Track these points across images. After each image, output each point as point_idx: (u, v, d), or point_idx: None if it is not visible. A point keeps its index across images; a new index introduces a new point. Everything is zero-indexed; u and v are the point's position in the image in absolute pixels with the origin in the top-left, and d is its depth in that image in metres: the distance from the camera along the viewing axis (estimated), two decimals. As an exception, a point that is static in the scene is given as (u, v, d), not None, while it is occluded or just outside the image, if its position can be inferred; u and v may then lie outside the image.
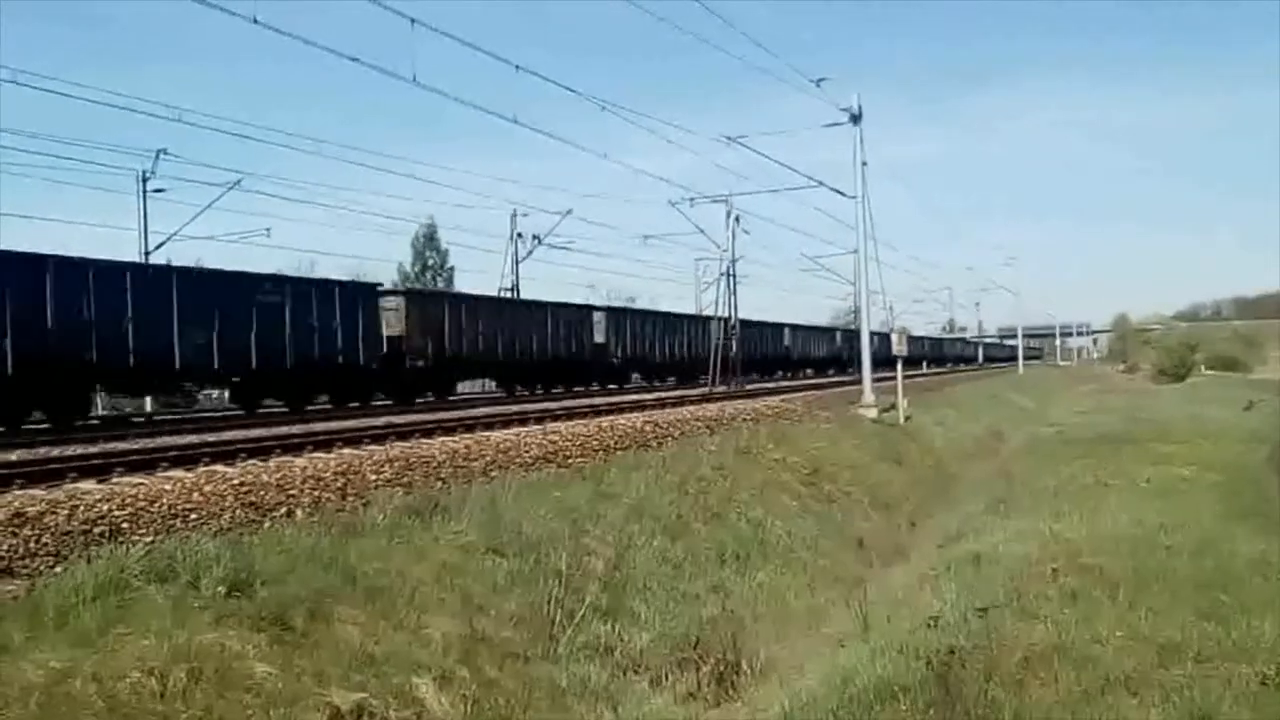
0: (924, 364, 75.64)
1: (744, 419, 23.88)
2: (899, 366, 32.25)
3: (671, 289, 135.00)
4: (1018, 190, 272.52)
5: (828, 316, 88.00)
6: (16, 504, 9.40)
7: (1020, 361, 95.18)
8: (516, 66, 20.33)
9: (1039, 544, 11.88)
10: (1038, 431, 35.20)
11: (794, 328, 64.14)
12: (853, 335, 65.91)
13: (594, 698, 8.33)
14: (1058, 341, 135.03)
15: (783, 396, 32.75)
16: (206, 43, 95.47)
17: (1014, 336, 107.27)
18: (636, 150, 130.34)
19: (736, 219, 39.69)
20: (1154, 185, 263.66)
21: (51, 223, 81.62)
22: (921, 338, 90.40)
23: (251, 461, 12.85)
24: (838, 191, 32.27)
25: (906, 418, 30.14)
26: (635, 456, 16.35)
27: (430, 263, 66.01)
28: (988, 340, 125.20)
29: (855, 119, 29.94)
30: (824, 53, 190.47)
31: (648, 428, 19.95)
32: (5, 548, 8.43)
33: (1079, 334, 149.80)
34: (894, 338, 34.00)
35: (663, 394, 34.43)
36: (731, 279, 41.28)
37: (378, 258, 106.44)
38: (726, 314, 41.50)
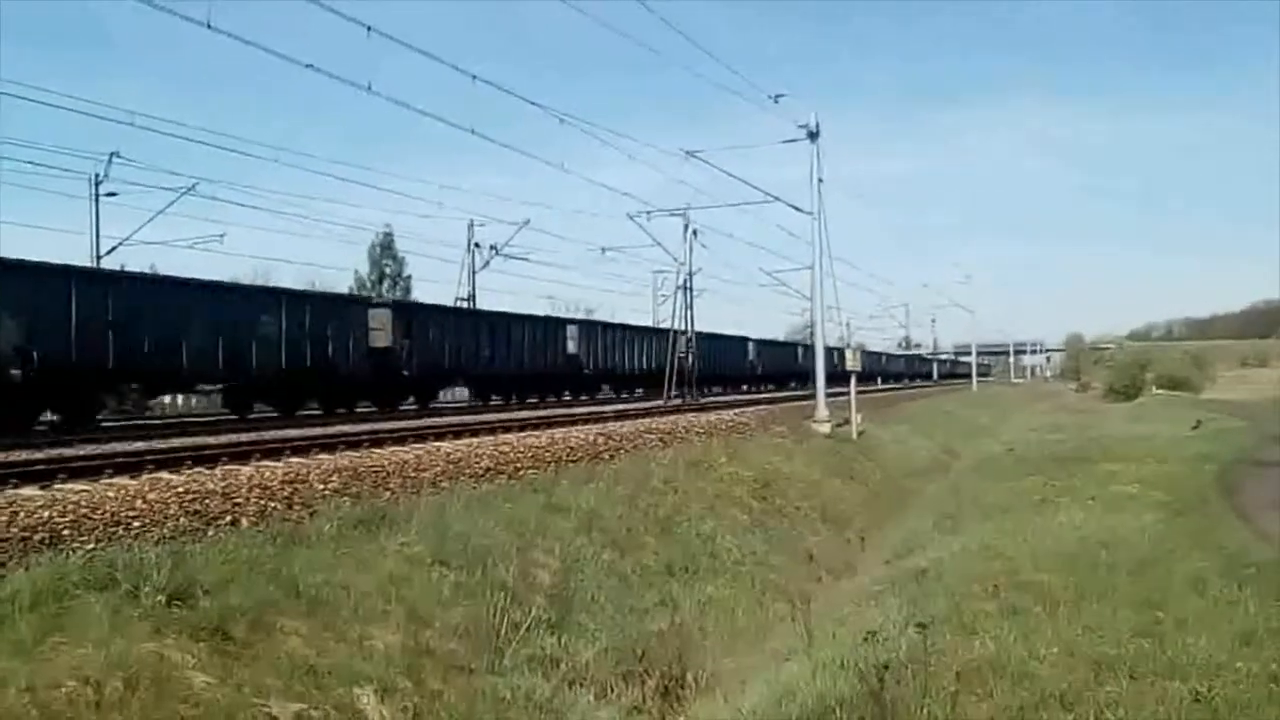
0: (879, 380, 76.16)
1: (697, 432, 23.96)
2: (853, 382, 32.49)
3: (630, 301, 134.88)
4: (976, 209, 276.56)
5: (785, 331, 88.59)
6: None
7: (974, 379, 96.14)
8: (474, 77, 20.35)
9: (983, 560, 12.03)
10: (989, 448, 35.58)
11: (758, 342, 64.43)
12: (783, 349, 66.53)
13: (538, 710, 8.31)
14: (1011, 359, 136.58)
15: (738, 410, 32.89)
16: (160, 47, 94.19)
17: (969, 353, 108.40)
18: (596, 163, 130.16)
19: (694, 232, 39.84)
20: (1110, 206, 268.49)
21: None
22: (877, 354, 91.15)
23: (198, 469, 12.73)
24: (794, 207, 32.59)
25: (860, 433, 30.38)
26: (587, 469, 16.34)
27: (387, 271, 65.67)
28: (943, 357, 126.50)
29: (813, 135, 30.22)
30: (786, 69, 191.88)
31: (600, 440, 19.97)
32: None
33: (1033, 352, 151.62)
34: (848, 354, 34.28)
35: (622, 406, 34.65)
36: (689, 292, 41.41)
37: (334, 266, 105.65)
38: (684, 327, 41.59)
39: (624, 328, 48.36)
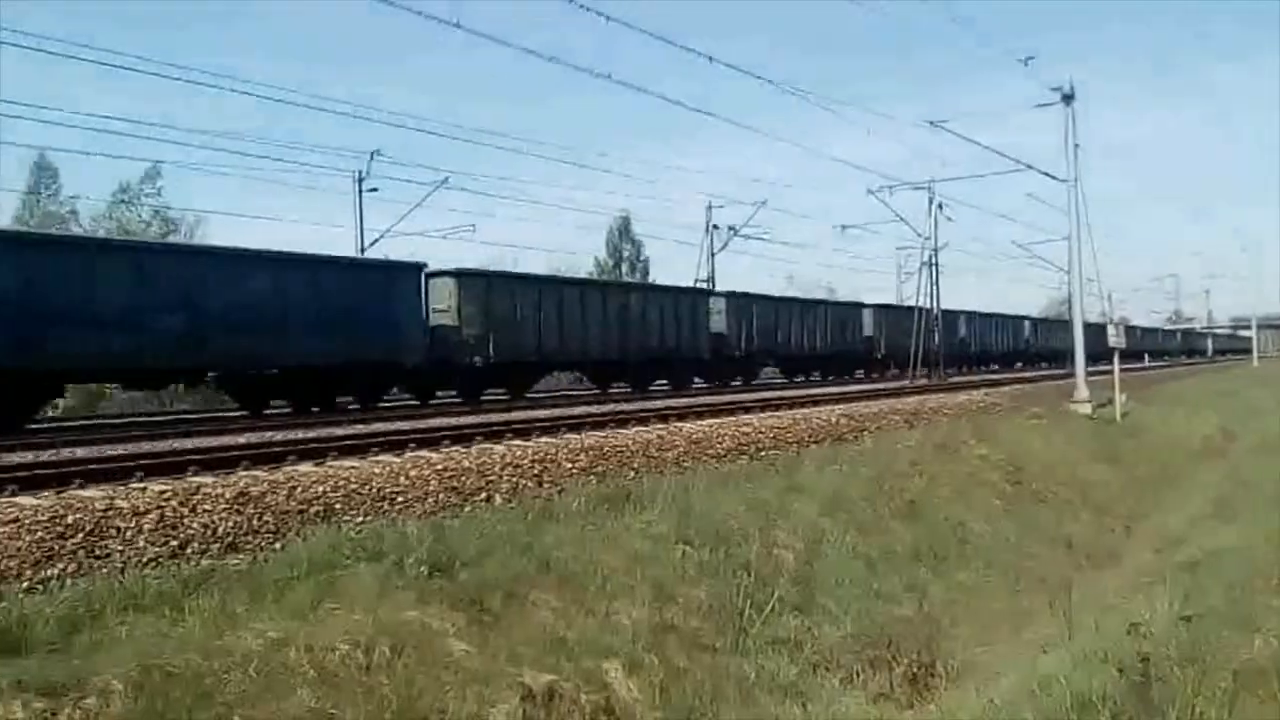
0: (1145, 357, 71.57)
1: (945, 413, 23.23)
2: (1115, 359, 30.60)
3: (871, 280, 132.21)
4: (1255, 170, 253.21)
5: (1039, 307, 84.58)
6: (242, 484, 10.09)
7: (1255, 354, 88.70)
8: (710, 58, 20.35)
9: (1267, 551, 11.05)
10: (1274, 430, 32.69)
11: (1002, 318, 61.96)
12: (1063, 326, 63.29)
13: (783, 693, 8.25)
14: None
15: (986, 390, 31.67)
16: (408, 45, 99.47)
17: (1248, 327, 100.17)
18: (834, 138, 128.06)
19: (939, 206, 38.55)
20: None
21: (274, 222, 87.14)
22: (1143, 329, 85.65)
23: (455, 448, 13.35)
24: (1048, 175, 30.92)
25: (1124, 414, 28.57)
26: (830, 450, 16.13)
27: (625, 255, 66.95)
28: (1218, 331, 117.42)
29: (1067, 99, 28.58)
30: (1036, 29, 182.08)
31: (843, 421, 19.69)
32: (231, 525, 9.09)
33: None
34: (1110, 329, 32.27)
35: (867, 386, 34.04)
36: (934, 268, 40.12)
37: (573, 251, 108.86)
38: (928, 304, 40.36)
39: (791, 301, 45.56)
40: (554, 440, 14.43)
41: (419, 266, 26.21)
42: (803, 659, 8.97)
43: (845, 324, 44.77)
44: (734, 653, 8.64)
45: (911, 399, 26.74)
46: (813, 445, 16.60)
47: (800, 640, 9.24)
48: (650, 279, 60.72)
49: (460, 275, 27.07)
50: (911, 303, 43.25)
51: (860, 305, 47.51)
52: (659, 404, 23.14)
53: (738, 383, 36.78)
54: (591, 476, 11.96)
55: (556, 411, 20.55)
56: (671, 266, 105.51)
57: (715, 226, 46.96)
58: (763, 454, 15.21)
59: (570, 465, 12.52)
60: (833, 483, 13.57)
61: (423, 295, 25.51)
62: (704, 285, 44.53)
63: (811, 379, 41.64)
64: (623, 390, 32.17)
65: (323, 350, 22.06)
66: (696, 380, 35.86)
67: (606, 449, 13.70)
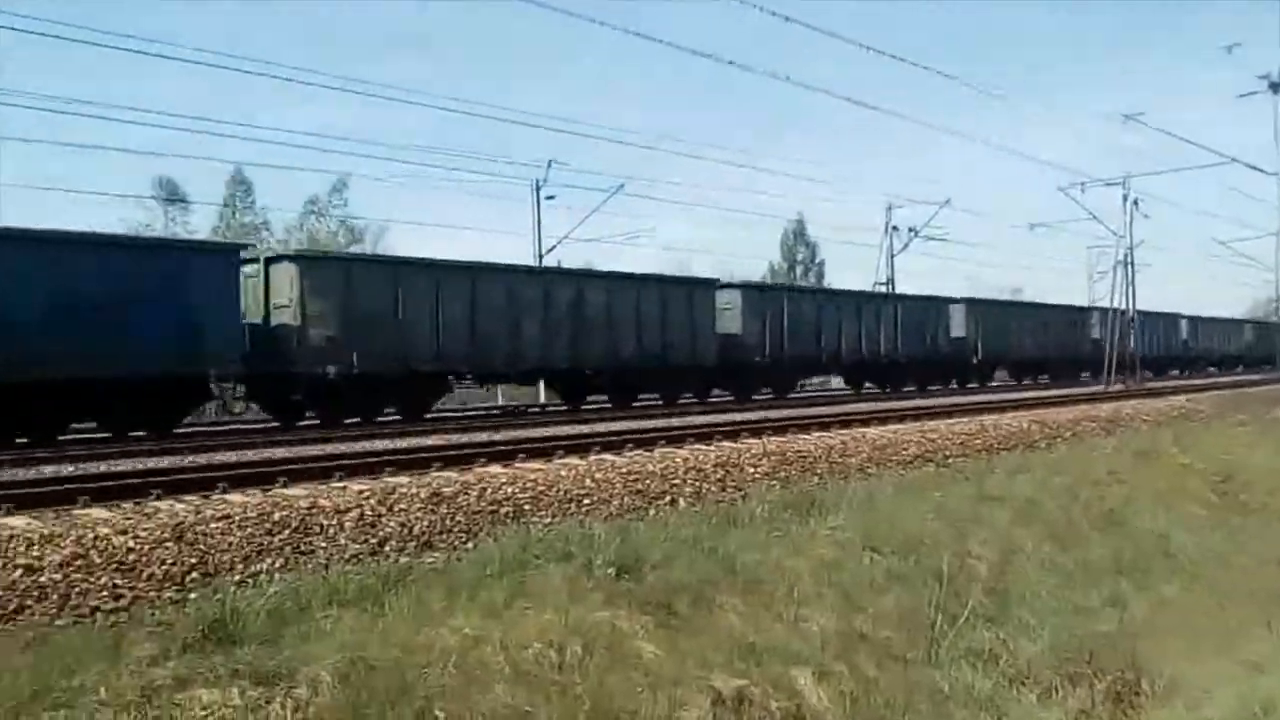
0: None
1: (1144, 419, 22.11)
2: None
3: (1058, 280, 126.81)
4: None
5: (1244, 308, 79.59)
6: (434, 485, 10.42)
7: None
8: (890, 55, 19.97)
9: None
10: None
11: (1195, 319, 58.65)
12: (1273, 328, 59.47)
13: (978, 706, 7.99)
14: None
15: (1187, 396, 29.97)
16: (580, 53, 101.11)
17: None
18: (1018, 134, 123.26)
19: (1135, 203, 36.67)
20: None
21: (456, 230, 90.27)
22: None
23: (638, 451, 13.46)
24: (1254, 168, 29.12)
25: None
26: (1020, 458, 15.60)
27: (799, 258, 66.38)
28: None
29: (1275, 86, 26.87)
30: (1236, 16, 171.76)
31: (1034, 427, 18.98)
32: (425, 524, 9.40)
33: None
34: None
35: (1059, 391, 32.78)
36: (1129, 267, 38.20)
37: (747, 255, 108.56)
38: (1123, 305, 38.47)
39: (1023, 306, 48.28)
40: (736, 445, 14.38)
41: (235, 249, 21.75)
42: (998, 672, 8.66)
43: (1074, 327, 45.95)
44: (926, 664, 8.42)
45: (1107, 405, 25.56)
46: (1002, 452, 16.06)
47: (995, 653, 8.93)
48: (825, 282, 60.08)
49: (302, 259, 21.59)
50: (1105, 304, 41.71)
51: (1089, 309, 47.94)
52: (842, 410, 22.82)
53: (936, 387, 36.96)
54: (774, 481, 11.86)
55: (733, 416, 20.52)
56: (845, 269, 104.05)
57: (894, 227, 46.11)
58: (950, 461, 14.79)
59: (753, 470, 12.46)
60: (1025, 491, 13.10)
61: (236, 286, 19.73)
62: (883, 289, 43.80)
63: (1022, 383, 42.37)
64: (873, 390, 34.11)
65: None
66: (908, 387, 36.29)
67: (789, 454, 13.58)
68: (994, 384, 41.93)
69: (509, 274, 25.02)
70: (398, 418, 21.59)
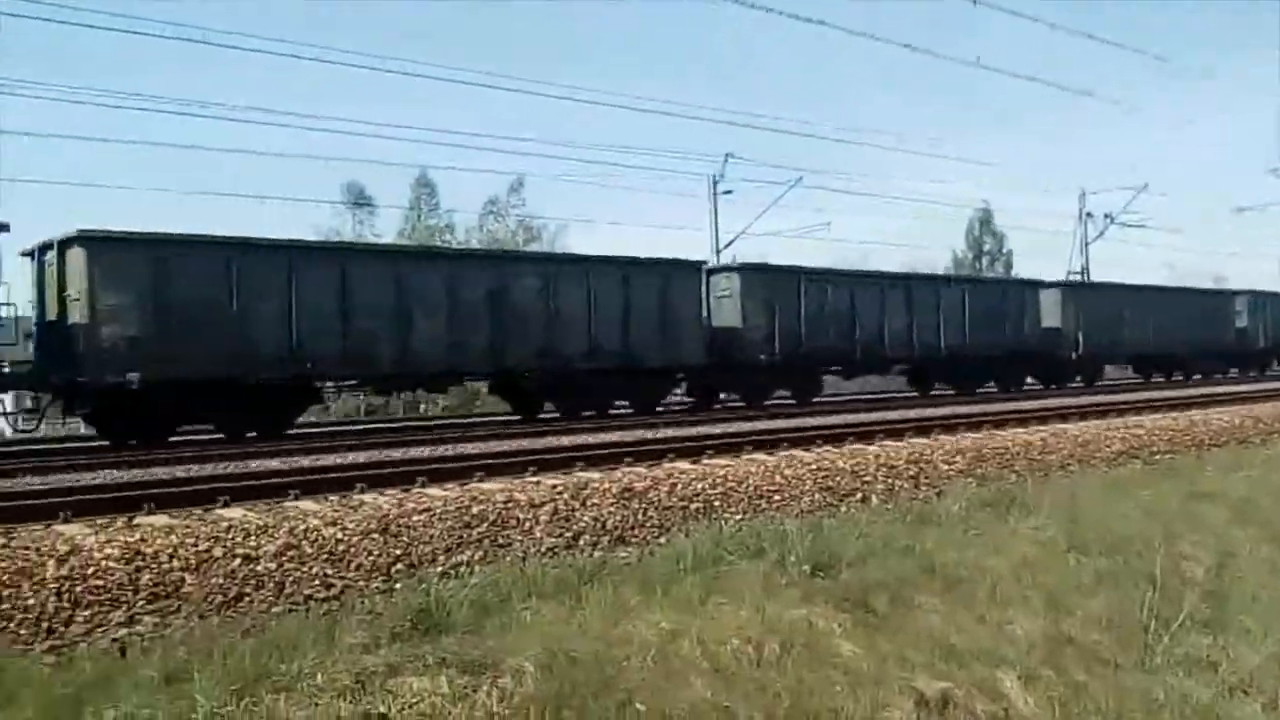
0: None
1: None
2: None
3: (1271, 267, 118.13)
4: None
5: None
6: (625, 480, 10.53)
7: None
8: (1089, 36, 19.07)
9: None
10: None
11: None
12: None
13: (1196, 716, 7.53)
14: None
15: None
16: (758, 45, 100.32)
17: None
18: (1225, 111, 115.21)
19: (1361, 182, 33.94)
20: None
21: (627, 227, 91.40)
22: None
23: (826, 448, 13.27)
24: None
25: None
26: (1233, 453, 14.71)
27: (986, 249, 64.19)
28: None
29: None
30: None
31: (1248, 423, 17.86)
32: (619, 519, 9.52)
33: None
34: None
35: (1270, 385, 30.68)
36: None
37: (930, 245, 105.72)
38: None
39: None
40: (929, 441, 14.02)
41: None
42: (1218, 681, 8.16)
43: (1212, 314, 40.45)
44: (1138, 670, 7.99)
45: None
46: (1213, 449, 15.17)
47: (1214, 660, 8.42)
48: (1014, 273, 57.92)
49: (91, 241, 16.56)
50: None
51: (1232, 293, 43.53)
52: (1036, 404, 21.98)
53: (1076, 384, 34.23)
54: (970, 479, 11.50)
55: (925, 412, 20.01)
56: (1036, 258, 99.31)
57: (1089, 214, 44.14)
58: (1156, 457, 14.05)
59: (947, 467, 12.12)
60: (1241, 489, 12.33)
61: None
62: (1078, 278, 41.98)
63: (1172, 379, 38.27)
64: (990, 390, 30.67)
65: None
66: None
67: (985, 451, 13.16)
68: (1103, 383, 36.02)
69: (396, 257, 21.08)
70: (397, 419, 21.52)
